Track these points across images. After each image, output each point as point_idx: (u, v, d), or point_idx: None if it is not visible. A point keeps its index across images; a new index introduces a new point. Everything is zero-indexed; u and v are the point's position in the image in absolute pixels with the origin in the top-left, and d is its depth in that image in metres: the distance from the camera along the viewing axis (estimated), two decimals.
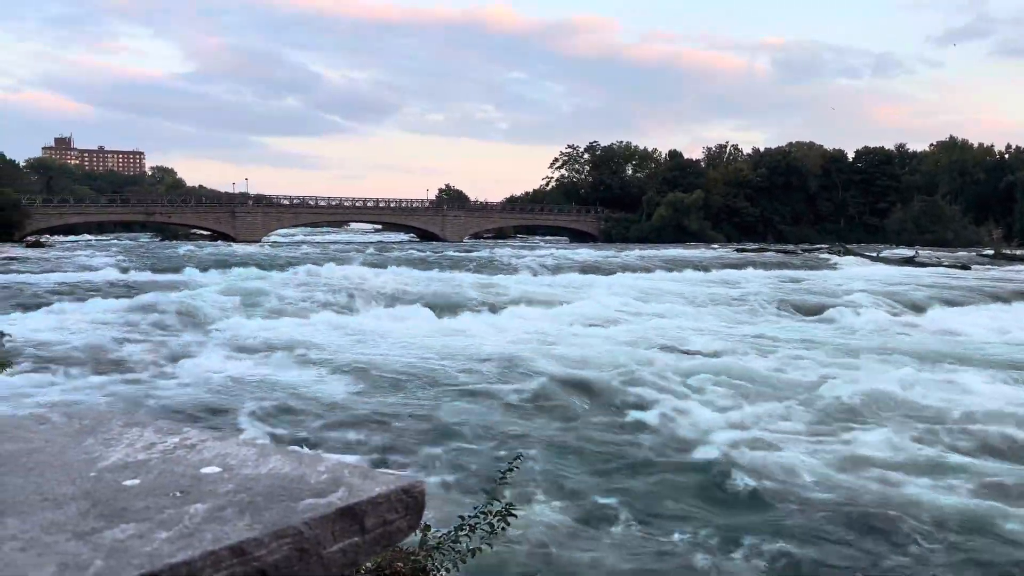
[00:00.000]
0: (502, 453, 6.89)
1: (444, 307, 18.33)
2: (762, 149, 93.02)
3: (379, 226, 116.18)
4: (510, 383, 9.86)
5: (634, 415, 8.26)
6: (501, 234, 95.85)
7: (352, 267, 26.82)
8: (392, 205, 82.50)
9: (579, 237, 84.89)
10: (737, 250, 52.02)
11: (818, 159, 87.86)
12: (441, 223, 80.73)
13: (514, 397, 9.16)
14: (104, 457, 1.06)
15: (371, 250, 41.47)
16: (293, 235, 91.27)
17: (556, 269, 31.77)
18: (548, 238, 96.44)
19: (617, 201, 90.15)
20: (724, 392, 8.99)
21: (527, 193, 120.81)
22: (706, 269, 32.26)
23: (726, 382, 9.59)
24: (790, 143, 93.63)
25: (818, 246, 57.23)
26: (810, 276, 30.56)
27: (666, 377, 9.97)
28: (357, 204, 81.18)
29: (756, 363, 10.95)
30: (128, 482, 0.98)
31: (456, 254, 40.07)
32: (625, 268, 33.36)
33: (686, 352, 12.03)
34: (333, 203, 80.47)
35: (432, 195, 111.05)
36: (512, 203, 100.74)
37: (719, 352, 11.89)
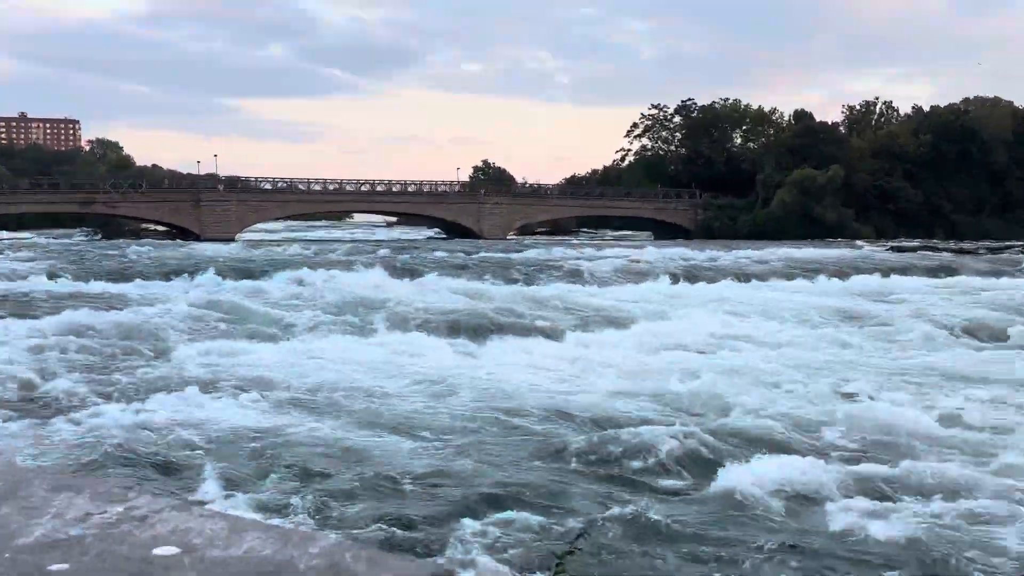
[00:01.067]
0: (563, 526, 7.15)
1: (477, 329, 18.78)
2: (927, 108, 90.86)
3: (392, 219, 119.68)
4: (574, 432, 10.34)
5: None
6: (558, 228, 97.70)
7: (370, 273, 28.31)
8: (410, 189, 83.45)
9: (667, 231, 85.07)
10: (892, 248, 51.65)
11: (1007, 120, 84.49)
12: (477, 213, 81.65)
13: (577, 448, 9.56)
14: (23, 532, 0.98)
15: (384, 251, 42.61)
16: (277, 231, 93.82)
17: (629, 276, 32.76)
18: (623, 233, 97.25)
19: (720, 182, 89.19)
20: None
21: (594, 173, 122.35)
22: (846, 275, 34.11)
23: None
24: (966, 99, 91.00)
25: (1009, 243, 58.59)
26: (1000, 287, 30.86)
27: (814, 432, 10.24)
28: (363, 189, 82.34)
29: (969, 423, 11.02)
30: (55, 567, 0.84)
31: (498, 255, 41.00)
32: (733, 274, 34.36)
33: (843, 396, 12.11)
34: (331, 188, 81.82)
35: (464, 176, 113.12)
36: (574, 186, 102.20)
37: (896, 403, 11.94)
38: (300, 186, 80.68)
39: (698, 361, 14.62)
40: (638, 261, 36.93)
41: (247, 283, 25.09)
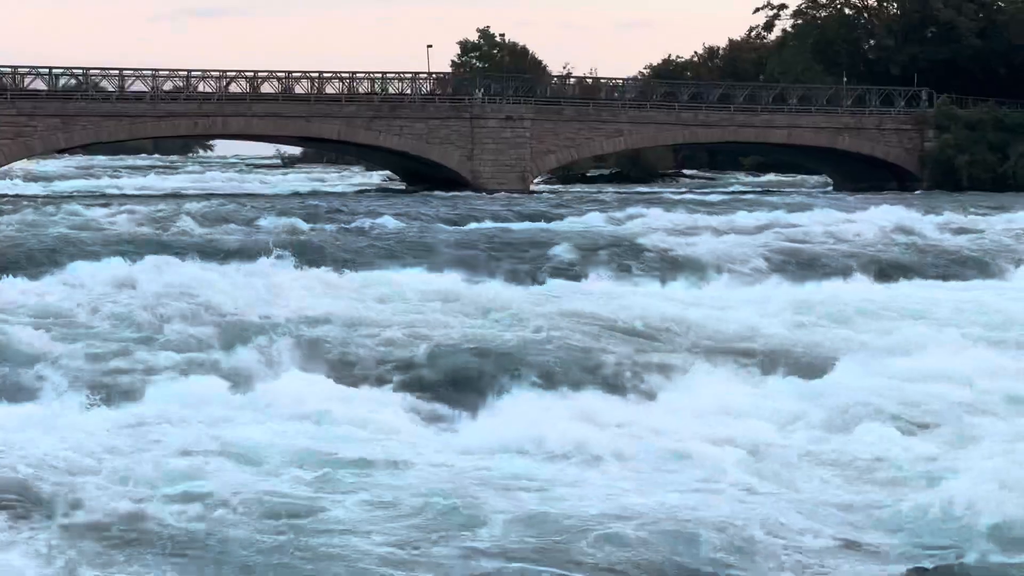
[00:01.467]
0: None
1: (466, 383, 19.74)
2: None
3: (293, 150, 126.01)
4: None
5: None
6: (636, 168, 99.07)
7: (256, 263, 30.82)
8: (329, 91, 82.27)
9: (861, 173, 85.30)
10: None
11: None
12: (467, 142, 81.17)
13: None
14: None
15: (270, 218, 45.36)
16: (56, 176, 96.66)
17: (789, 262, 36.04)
18: (768, 179, 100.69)
19: (970, 76, 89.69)
20: None
21: (708, 55, 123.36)
22: None
23: None
24: None
25: None
26: None
27: None
28: (233, 89, 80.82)
29: None
30: None
31: (516, 229, 44.81)
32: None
33: None
34: (169, 87, 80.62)
35: (443, 60, 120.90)
36: (667, 82, 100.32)
37: None
38: (107, 85, 79.15)
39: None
40: None
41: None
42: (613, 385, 19.49)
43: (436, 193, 69.45)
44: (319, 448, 14.91)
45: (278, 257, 31.51)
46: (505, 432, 15.74)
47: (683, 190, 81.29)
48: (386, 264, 32.33)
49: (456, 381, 19.75)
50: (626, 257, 35.21)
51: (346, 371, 19.75)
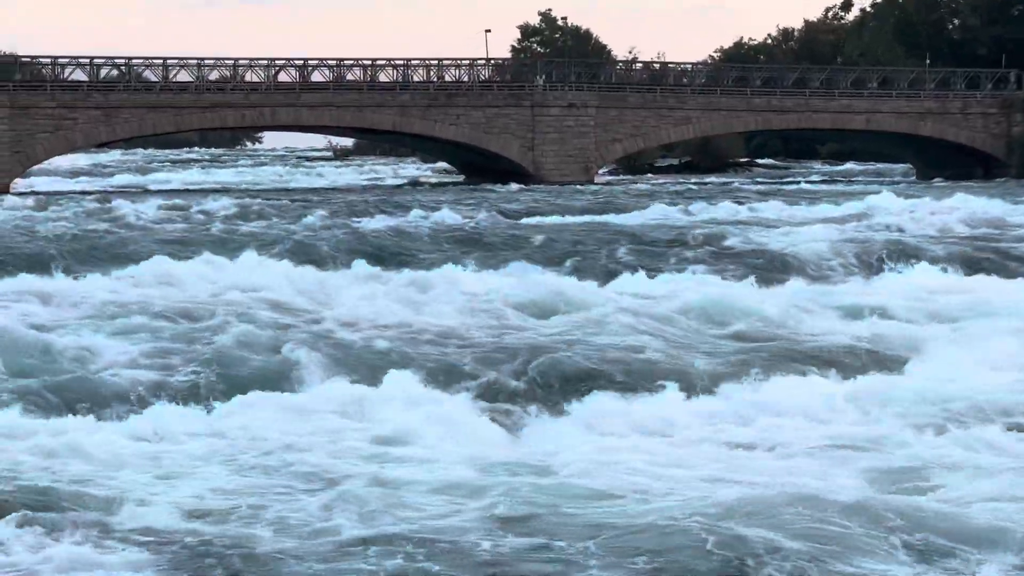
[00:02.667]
0: None
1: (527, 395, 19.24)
2: None
3: (344, 141, 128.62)
4: None
5: None
6: (706, 157, 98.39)
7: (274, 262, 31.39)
8: (383, 79, 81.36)
9: (946, 160, 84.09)
10: None
11: None
12: (528, 130, 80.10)
13: None
14: None
15: (320, 214, 46.05)
16: (101, 170, 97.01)
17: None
18: (848, 167, 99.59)
19: None
20: None
21: (783, 38, 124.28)
22: None
23: None
24: None
25: None
26: None
27: None
28: (281, 79, 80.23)
29: None
30: None
31: (575, 224, 44.55)
32: None
33: None
34: (215, 77, 79.44)
35: (503, 45, 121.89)
36: (739, 66, 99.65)
37: None
38: (150, 75, 79.02)
39: None
40: None
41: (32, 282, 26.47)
42: (690, 389, 18.87)
43: (496, 185, 69.35)
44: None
45: (334, 257, 32.06)
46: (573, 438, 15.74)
47: (756, 180, 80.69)
48: (446, 261, 32.07)
49: (528, 386, 19.18)
50: (699, 252, 35.16)
51: (416, 377, 19.13)
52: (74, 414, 15.59)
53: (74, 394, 16.61)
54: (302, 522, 12.30)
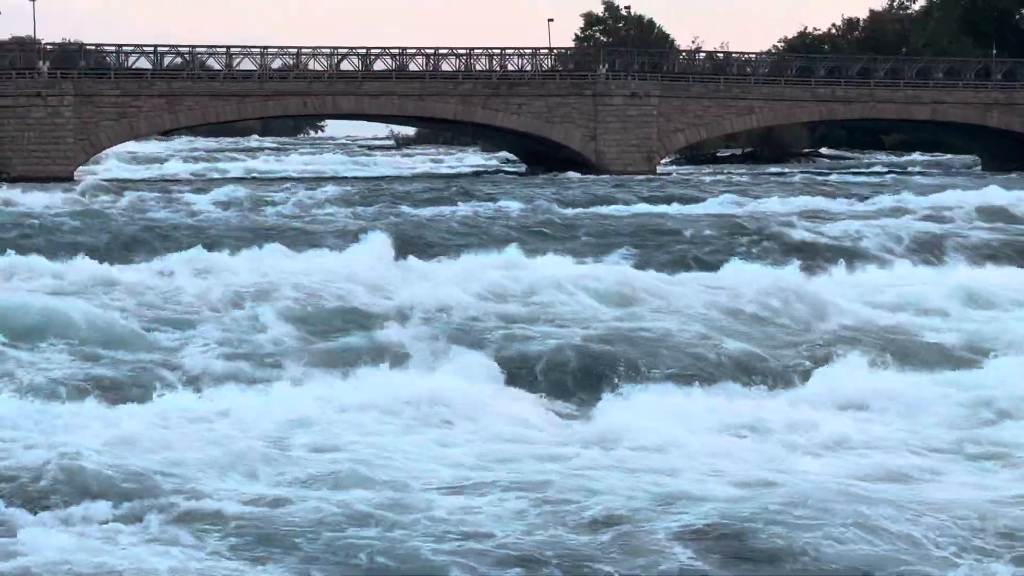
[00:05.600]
0: None
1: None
2: None
3: (407, 130, 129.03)
4: None
5: None
6: (769, 147, 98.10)
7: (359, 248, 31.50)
8: (445, 68, 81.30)
9: (1013, 153, 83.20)
10: None
11: None
12: (591, 119, 79.65)
13: None
14: None
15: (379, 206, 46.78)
16: (158, 161, 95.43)
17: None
18: (912, 158, 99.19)
19: None
20: None
21: (847, 28, 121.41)
22: None
23: None
24: None
25: None
26: None
27: None
28: (348, 71, 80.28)
29: None
30: None
31: (650, 215, 45.64)
32: None
33: None
34: (278, 66, 79.96)
35: (565, 35, 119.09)
36: (803, 57, 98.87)
37: None
38: (213, 63, 79.15)
39: None
40: None
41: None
42: (764, 379, 19.28)
43: (558, 175, 69.14)
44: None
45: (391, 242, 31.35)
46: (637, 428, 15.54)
47: (821, 171, 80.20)
48: (511, 250, 31.69)
49: (592, 375, 19.49)
50: (765, 242, 34.95)
51: (481, 366, 19.38)
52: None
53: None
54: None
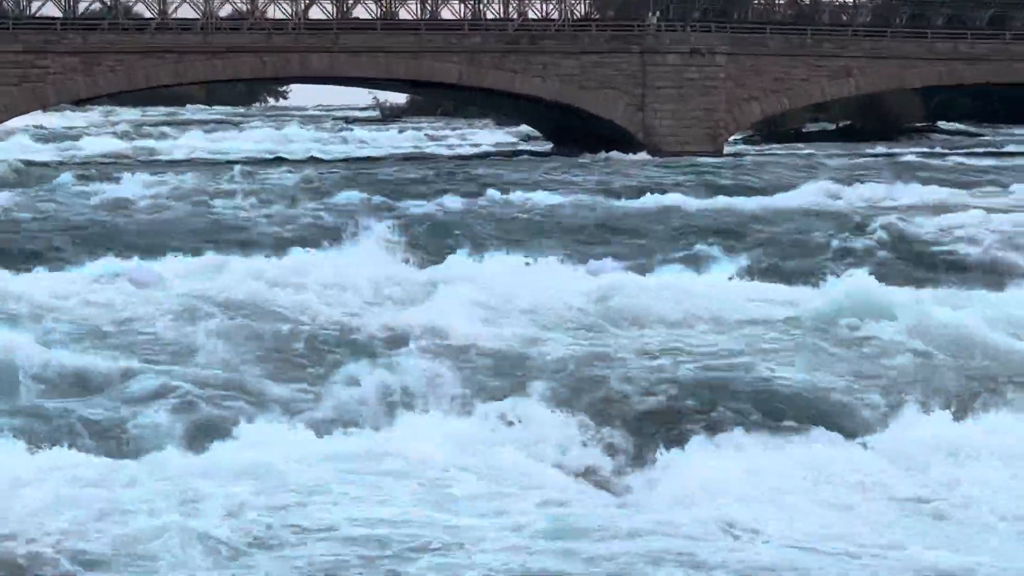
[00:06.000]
0: None
1: None
2: None
3: (397, 98, 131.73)
4: None
5: None
6: (870, 118, 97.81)
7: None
8: (446, 15, 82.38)
9: None
10: None
11: None
12: (640, 80, 79.21)
13: None
14: None
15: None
16: (73, 133, 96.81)
17: None
18: None
19: None
20: None
21: None
22: None
23: None
24: None
25: None
26: None
27: None
28: (319, 21, 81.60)
29: None
30: None
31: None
32: None
33: None
34: (227, 19, 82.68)
35: None
36: (913, 6, 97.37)
37: None
38: (142, 10, 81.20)
39: None
40: None
41: None
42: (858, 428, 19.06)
43: (594, 157, 69.08)
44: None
45: (390, 245, 31.99)
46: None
47: (941, 151, 78.81)
48: (542, 253, 32.21)
49: (651, 417, 19.49)
50: (870, 248, 35.01)
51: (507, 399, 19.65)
52: None
53: None
54: None
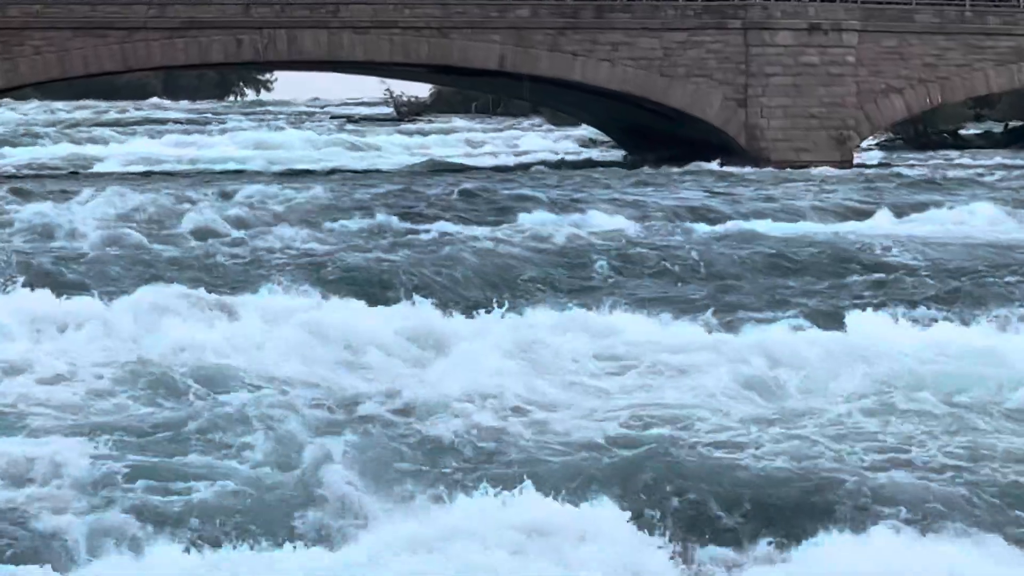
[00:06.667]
0: None
1: None
2: None
3: (396, 95, 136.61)
4: None
5: None
6: None
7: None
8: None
9: None
10: None
11: None
12: (741, 66, 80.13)
13: None
14: None
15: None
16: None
17: None
18: None
19: None
20: None
21: None
22: None
23: None
24: None
25: None
26: None
27: None
28: None
29: None
30: None
31: None
32: None
33: None
34: None
35: None
36: None
37: None
38: None
39: None
40: None
41: None
42: None
43: (684, 168, 68.89)
44: None
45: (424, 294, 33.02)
46: None
47: None
48: (604, 299, 32.59)
49: (745, 512, 19.58)
50: None
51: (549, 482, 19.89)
52: None
53: None
54: None
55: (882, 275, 38.98)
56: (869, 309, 31.53)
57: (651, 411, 23.04)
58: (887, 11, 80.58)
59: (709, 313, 31.27)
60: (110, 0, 74.80)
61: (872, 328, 29.11)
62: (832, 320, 31.95)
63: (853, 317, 30.02)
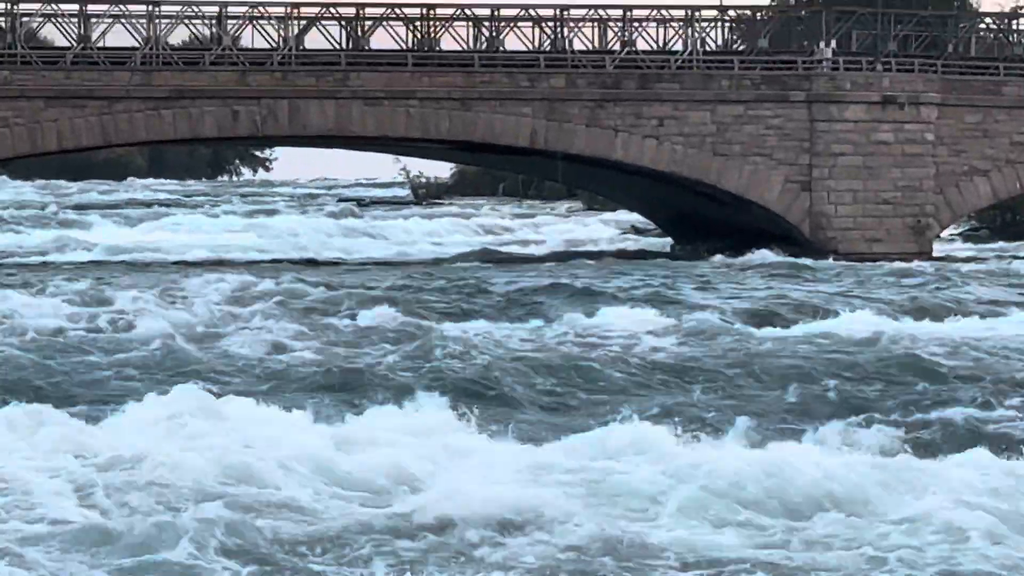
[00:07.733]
0: None
1: None
2: None
3: (416, 174, 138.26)
4: None
5: None
6: None
7: None
8: (523, 53, 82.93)
9: None
10: None
11: None
12: (805, 144, 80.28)
13: None
14: None
15: None
16: None
17: None
18: None
19: None
20: None
21: None
22: None
23: None
24: None
25: None
26: None
27: None
28: (318, 51, 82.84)
29: None
30: None
31: None
32: None
33: None
34: (179, 49, 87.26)
35: None
36: None
37: None
38: (52, 31, 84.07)
39: None
40: None
41: None
42: None
43: (742, 260, 68.98)
44: None
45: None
46: None
47: None
48: (649, 412, 31.38)
49: None
50: None
51: None
52: None
53: None
54: None
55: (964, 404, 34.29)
56: None
57: None
58: (971, 83, 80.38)
59: None
60: (88, 66, 74.63)
61: None
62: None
63: None
